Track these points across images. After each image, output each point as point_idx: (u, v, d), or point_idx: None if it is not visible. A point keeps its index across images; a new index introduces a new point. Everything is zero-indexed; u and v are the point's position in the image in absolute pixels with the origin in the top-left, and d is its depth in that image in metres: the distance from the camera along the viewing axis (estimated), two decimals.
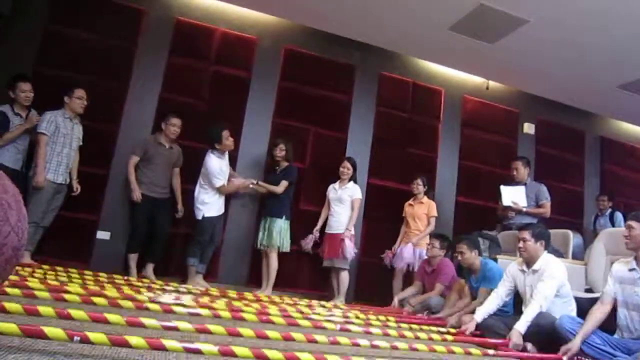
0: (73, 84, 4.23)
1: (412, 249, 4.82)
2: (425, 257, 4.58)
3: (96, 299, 2.30)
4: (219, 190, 4.43)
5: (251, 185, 4.69)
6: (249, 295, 3.76)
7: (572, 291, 3.22)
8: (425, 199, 4.97)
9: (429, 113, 5.97)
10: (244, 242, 4.91)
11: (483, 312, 3.26)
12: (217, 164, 4.39)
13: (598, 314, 2.77)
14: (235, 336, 1.96)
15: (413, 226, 4.93)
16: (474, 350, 2.55)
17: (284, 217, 4.62)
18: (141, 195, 4.31)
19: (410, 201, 5.06)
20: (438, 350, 2.34)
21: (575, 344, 2.63)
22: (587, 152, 6.76)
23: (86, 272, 3.72)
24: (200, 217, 4.37)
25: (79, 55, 4.65)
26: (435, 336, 2.77)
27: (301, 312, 3.11)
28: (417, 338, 2.69)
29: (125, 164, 4.50)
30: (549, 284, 3.02)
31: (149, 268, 4.35)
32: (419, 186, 4.96)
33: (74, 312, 1.75)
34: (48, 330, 1.54)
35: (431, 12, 4.73)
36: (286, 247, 4.61)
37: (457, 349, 2.41)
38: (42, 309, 1.72)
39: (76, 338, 1.55)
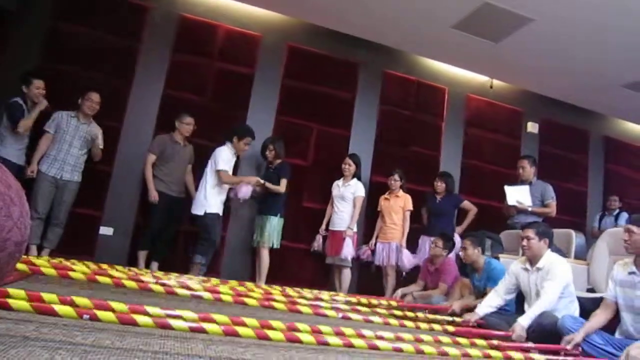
0: (77, 80, 4.25)
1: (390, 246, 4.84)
2: (403, 249, 4.74)
3: (101, 278, 2.32)
4: (220, 175, 4.34)
5: (258, 185, 4.56)
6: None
7: (574, 291, 3.22)
8: (400, 192, 4.97)
9: (433, 112, 5.96)
10: (246, 239, 4.91)
11: (485, 306, 3.28)
12: (229, 154, 4.41)
13: (601, 317, 2.77)
14: (240, 325, 1.97)
15: (388, 220, 4.92)
16: (479, 342, 2.55)
17: (278, 215, 4.63)
18: (159, 193, 4.34)
19: (386, 195, 5.05)
20: (443, 341, 2.33)
21: (578, 336, 2.63)
22: (591, 152, 6.73)
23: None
24: (202, 213, 4.32)
25: (83, 51, 4.65)
26: (437, 327, 2.78)
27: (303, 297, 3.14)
28: (418, 328, 2.70)
29: (129, 160, 4.59)
30: (555, 283, 3.03)
31: (154, 267, 4.37)
32: (396, 182, 4.95)
33: (77, 299, 1.76)
34: (59, 308, 1.61)
35: (435, 10, 4.72)
36: (276, 244, 4.62)
37: (462, 340, 2.42)
38: (45, 295, 1.73)
39: (85, 316, 1.62)
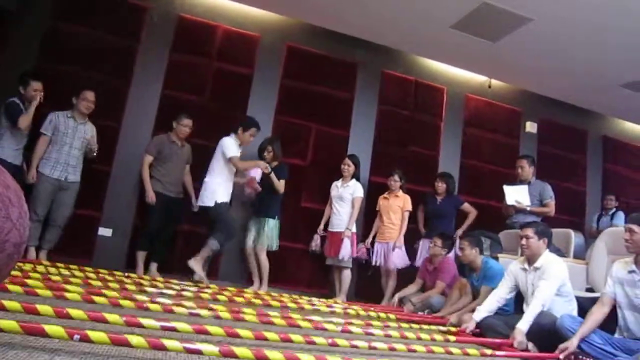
0: (76, 80, 4.25)
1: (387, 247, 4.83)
2: (397, 248, 4.72)
3: (97, 298, 2.30)
4: (233, 162, 4.27)
5: (265, 170, 4.46)
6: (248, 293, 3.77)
7: (573, 290, 3.22)
8: (400, 193, 4.95)
9: (431, 111, 5.96)
10: (244, 241, 4.87)
11: (483, 311, 3.27)
12: (234, 143, 4.33)
13: (597, 315, 2.76)
14: (234, 337, 1.96)
15: (386, 220, 4.90)
16: (472, 351, 2.54)
17: (276, 217, 4.62)
18: (157, 194, 4.32)
19: (385, 194, 5.03)
20: (436, 352, 2.33)
21: (572, 344, 2.63)
22: (590, 152, 6.74)
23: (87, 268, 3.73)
24: (212, 204, 4.19)
25: (82, 51, 4.65)
26: (438, 337, 2.76)
27: (301, 308, 3.11)
28: (419, 338, 2.68)
29: (127, 161, 4.59)
30: (550, 282, 3.03)
31: (153, 268, 4.36)
32: (396, 182, 4.94)
33: (73, 312, 1.75)
34: (48, 328, 1.53)
35: (434, 10, 4.72)
36: (275, 246, 4.61)
37: (455, 349, 2.41)
38: (41, 307, 1.72)
39: (76, 337, 1.53)
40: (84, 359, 1.49)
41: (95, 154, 4.25)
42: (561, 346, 2.65)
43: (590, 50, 5.04)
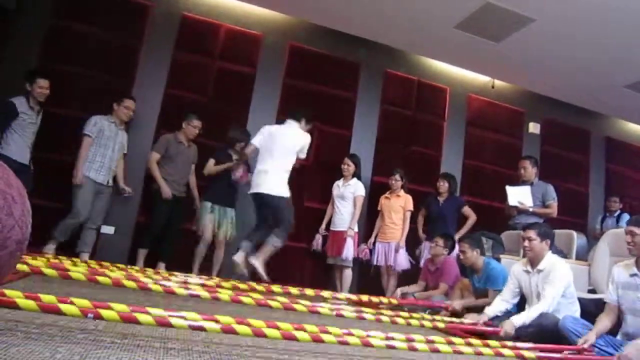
0: (78, 79, 4.26)
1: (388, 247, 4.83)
2: (400, 249, 4.74)
3: (101, 279, 2.35)
4: (301, 159, 4.08)
5: None
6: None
7: (575, 292, 3.21)
8: (402, 192, 4.94)
9: (434, 111, 5.96)
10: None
11: (493, 310, 3.27)
12: None
13: (606, 322, 2.76)
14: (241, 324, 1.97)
15: (388, 220, 4.90)
16: (484, 349, 2.54)
17: (234, 208, 4.61)
18: (161, 192, 4.32)
19: (387, 194, 5.03)
20: (437, 342, 2.32)
21: (591, 337, 2.63)
22: (593, 153, 6.73)
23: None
24: (277, 194, 3.85)
25: (84, 50, 4.66)
26: (427, 323, 2.78)
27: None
28: (422, 325, 2.72)
29: (130, 159, 4.59)
30: (556, 285, 3.02)
31: (161, 267, 4.37)
32: (397, 182, 4.93)
33: (77, 300, 1.77)
34: (64, 307, 1.68)
35: (437, 10, 4.72)
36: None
37: (458, 340, 2.40)
38: (43, 296, 1.73)
39: (90, 315, 1.70)
40: (85, 356, 1.49)
41: (127, 194, 4.44)
42: (582, 339, 2.65)
43: (594, 51, 5.03)
